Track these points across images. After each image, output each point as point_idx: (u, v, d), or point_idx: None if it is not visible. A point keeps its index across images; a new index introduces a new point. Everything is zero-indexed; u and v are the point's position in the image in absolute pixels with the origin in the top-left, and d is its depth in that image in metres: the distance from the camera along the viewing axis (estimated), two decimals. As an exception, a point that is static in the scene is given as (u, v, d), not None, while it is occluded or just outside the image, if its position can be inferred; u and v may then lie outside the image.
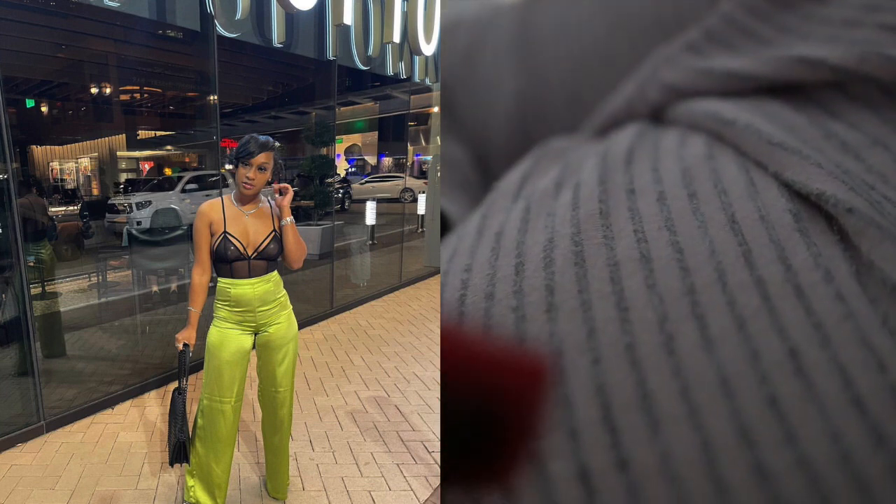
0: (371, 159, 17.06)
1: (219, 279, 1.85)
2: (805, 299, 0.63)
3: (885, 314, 0.62)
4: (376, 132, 16.23)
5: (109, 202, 6.41)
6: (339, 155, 13.91)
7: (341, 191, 8.91)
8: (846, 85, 0.79)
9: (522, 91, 1.12)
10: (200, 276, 1.84)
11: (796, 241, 0.67)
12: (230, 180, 2.59)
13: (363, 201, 7.08)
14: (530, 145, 1.00)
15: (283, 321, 1.92)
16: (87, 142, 8.47)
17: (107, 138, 8.46)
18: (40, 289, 3.40)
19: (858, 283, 0.63)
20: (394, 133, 14.25)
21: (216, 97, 3.56)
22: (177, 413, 1.80)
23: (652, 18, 1.00)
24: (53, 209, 4.73)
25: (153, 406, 2.95)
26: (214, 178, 5.74)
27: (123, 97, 8.14)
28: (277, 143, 1.79)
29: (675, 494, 0.60)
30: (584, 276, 0.71)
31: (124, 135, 8.64)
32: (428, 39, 5.33)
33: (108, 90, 7.26)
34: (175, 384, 1.83)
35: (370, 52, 4.77)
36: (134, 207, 5.99)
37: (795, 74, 0.81)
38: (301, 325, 2.83)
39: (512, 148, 1.10)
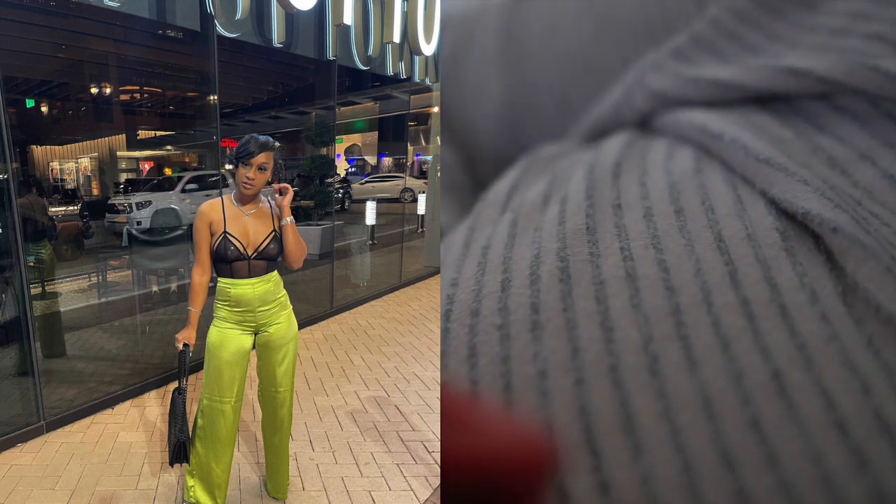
0: (371, 159, 17.06)
1: (219, 279, 1.84)
2: (790, 320, 0.63)
3: (870, 335, 0.61)
4: (376, 132, 16.24)
5: (109, 202, 6.41)
6: (339, 155, 13.91)
7: (341, 191, 8.92)
8: (834, 96, 0.78)
9: (509, 93, 1.11)
10: (200, 276, 1.84)
11: (782, 261, 0.66)
12: (230, 180, 2.60)
13: (363, 201, 7.08)
14: (518, 148, 0.99)
15: (283, 321, 1.92)
16: (87, 142, 8.47)
17: (107, 138, 8.46)
18: (40, 289, 3.40)
19: (844, 304, 0.63)
20: (394, 133, 14.26)
21: (216, 97, 3.56)
22: (177, 413, 1.80)
23: (639, 22, 0.99)
24: (53, 209, 4.73)
25: (153, 406, 2.95)
26: (214, 178, 5.74)
27: (123, 97, 8.15)
28: (277, 143, 1.79)
29: None
30: (570, 293, 0.70)
31: (124, 135, 8.65)
32: (428, 39, 5.33)
33: (108, 90, 7.26)
34: (175, 384, 1.83)
35: (370, 52, 4.77)
36: (134, 207, 5.99)
37: (783, 85, 0.80)
38: (301, 325, 2.83)
39: (499, 150, 1.09)
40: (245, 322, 1.85)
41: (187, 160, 9.35)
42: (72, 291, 4.49)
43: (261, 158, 1.74)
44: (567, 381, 0.66)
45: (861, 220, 0.67)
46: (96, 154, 8.49)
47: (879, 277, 0.62)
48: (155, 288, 4.77)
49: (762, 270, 0.66)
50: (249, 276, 1.82)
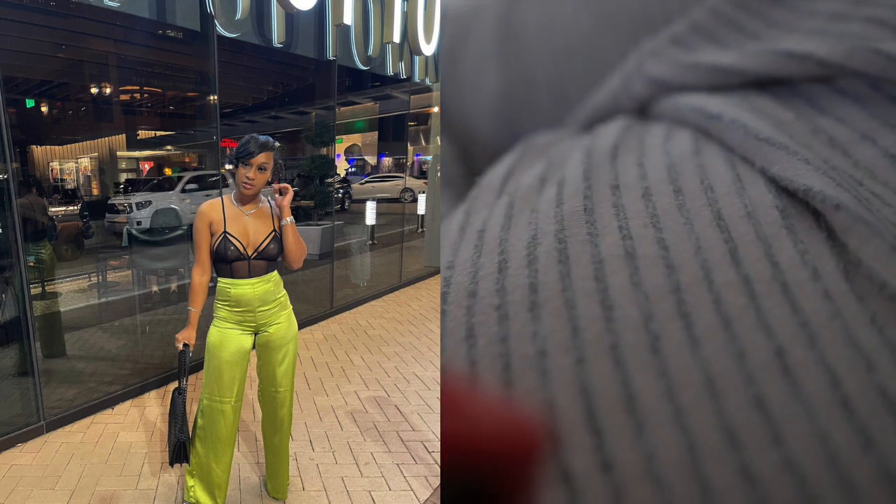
0: (371, 159, 17.06)
1: (219, 279, 1.85)
2: (792, 297, 0.62)
3: (873, 313, 0.60)
4: (376, 132, 16.24)
5: (109, 202, 6.42)
6: (339, 155, 13.91)
7: (341, 191, 8.91)
8: (834, 80, 0.78)
9: (507, 87, 1.10)
10: (200, 276, 1.84)
11: (783, 238, 0.66)
12: (230, 180, 2.60)
13: (363, 201, 7.08)
14: (515, 141, 0.99)
15: (283, 321, 1.92)
16: (87, 142, 8.47)
17: (107, 138, 8.47)
18: (40, 289, 3.40)
19: (846, 281, 0.62)
20: (394, 133, 14.26)
21: (216, 97, 3.56)
22: (177, 413, 1.80)
23: (638, 12, 0.99)
24: (53, 209, 4.73)
25: (153, 406, 2.95)
26: (214, 178, 5.74)
27: (123, 97, 8.14)
28: (277, 143, 1.79)
29: (659, 497, 0.59)
30: (568, 273, 0.70)
31: (124, 135, 8.65)
32: (428, 39, 5.33)
33: (108, 90, 7.26)
34: (175, 384, 1.83)
35: (370, 52, 4.77)
36: (134, 207, 5.99)
37: (783, 69, 0.80)
38: (301, 325, 2.83)
39: (497, 144, 1.08)
40: (245, 322, 1.85)
41: (187, 160, 9.35)
42: (72, 291, 4.49)
43: (261, 158, 1.74)
44: (567, 360, 0.65)
45: (863, 200, 0.66)
46: (96, 154, 8.49)
47: (884, 255, 0.62)
48: (155, 288, 4.77)
49: (763, 248, 0.66)
50: (249, 276, 1.82)
